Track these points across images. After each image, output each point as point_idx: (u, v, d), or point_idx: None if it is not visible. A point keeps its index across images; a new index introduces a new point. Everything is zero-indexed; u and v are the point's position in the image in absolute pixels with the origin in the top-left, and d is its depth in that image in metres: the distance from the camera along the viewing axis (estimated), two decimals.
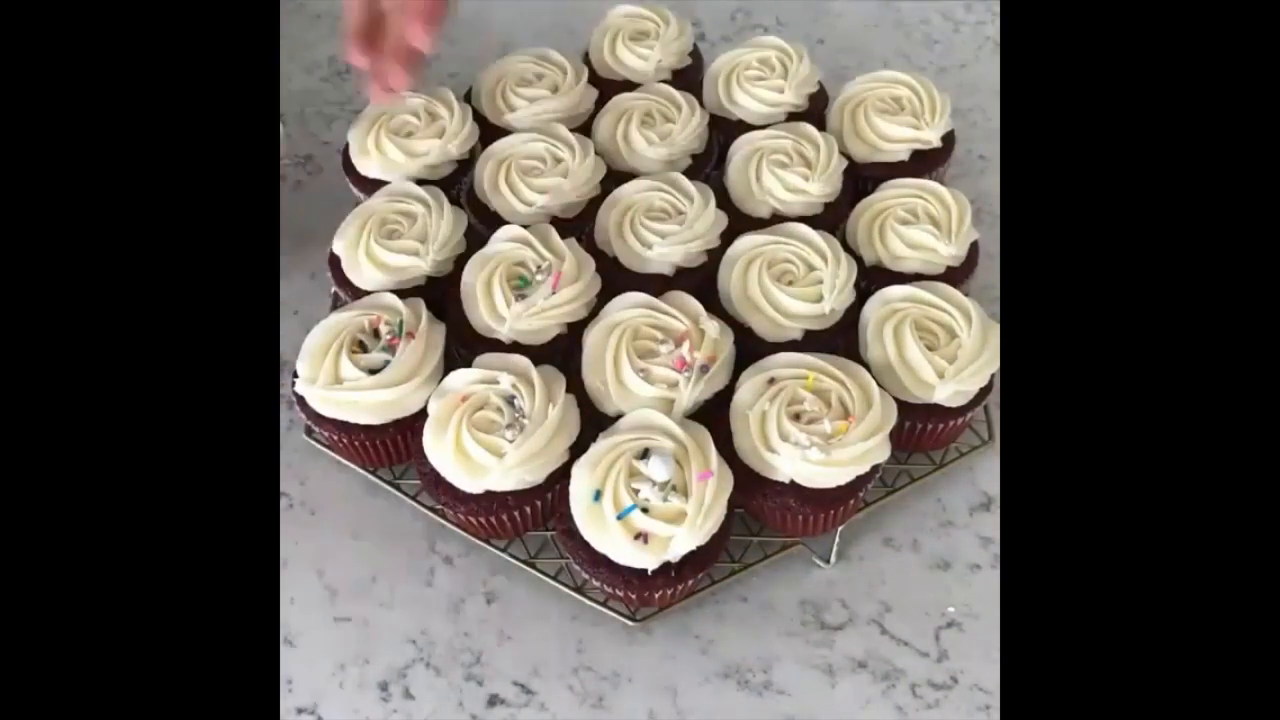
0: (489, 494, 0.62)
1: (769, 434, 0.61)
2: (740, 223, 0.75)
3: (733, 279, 0.70)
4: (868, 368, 0.65)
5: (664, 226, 0.72)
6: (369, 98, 0.75)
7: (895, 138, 0.80)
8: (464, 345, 0.69)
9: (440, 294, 0.71)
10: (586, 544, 0.59)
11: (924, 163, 0.80)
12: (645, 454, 0.59)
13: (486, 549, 0.68)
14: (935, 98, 0.81)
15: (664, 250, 0.71)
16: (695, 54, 0.90)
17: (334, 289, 0.77)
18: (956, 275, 0.73)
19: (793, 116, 0.82)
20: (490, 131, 0.82)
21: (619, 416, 0.63)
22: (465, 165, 0.80)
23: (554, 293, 0.68)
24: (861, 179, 0.80)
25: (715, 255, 0.73)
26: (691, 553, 0.58)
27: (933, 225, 0.72)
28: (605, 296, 0.69)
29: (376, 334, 0.66)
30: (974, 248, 0.75)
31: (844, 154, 0.79)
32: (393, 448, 0.67)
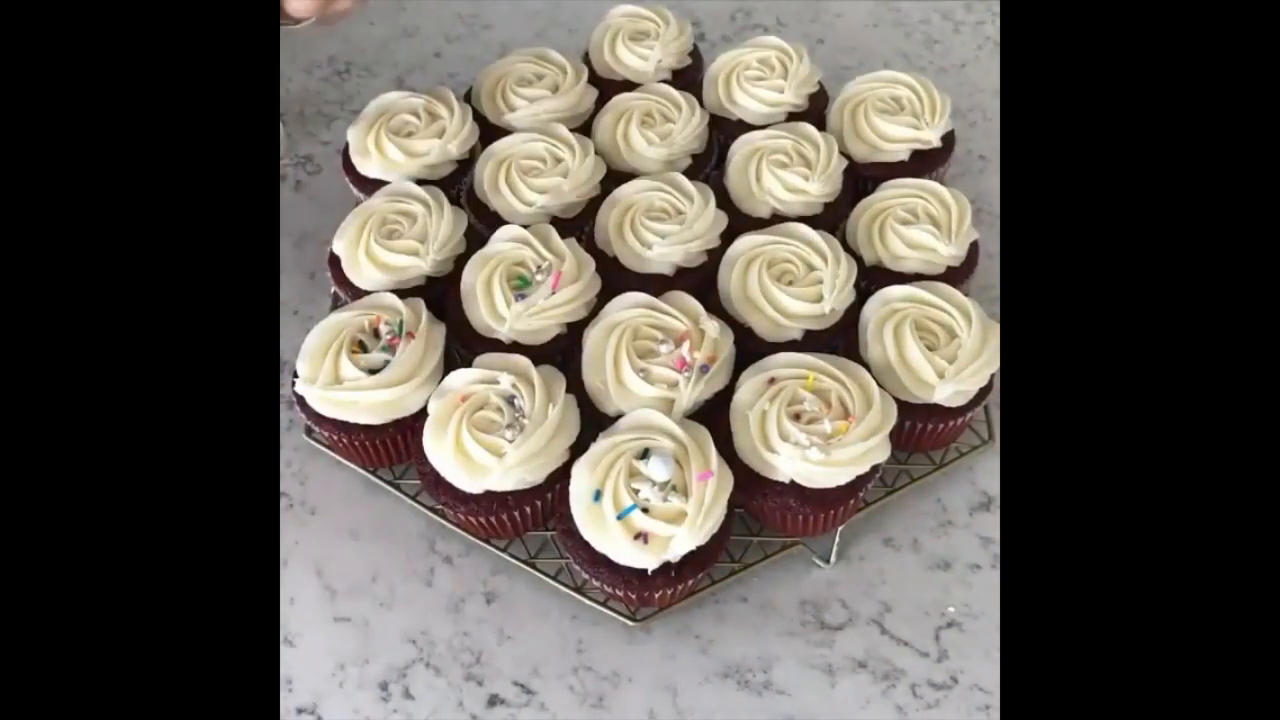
0: (489, 494, 0.62)
1: (769, 434, 0.61)
2: (740, 223, 0.76)
3: (733, 279, 0.70)
4: (868, 368, 0.65)
5: (664, 226, 0.72)
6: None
7: (895, 138, 0.80)
8: (464, 345, 0.69)
9: (440, 294, 0.71)
10: (586, 544, 0.59)
11: (924, 163, 0.80)
12: (645, 454, 0.59)
13: (486, 549, 0.68)
14: (935, 98, 0.81)
15: (664, 250, 0.71)
16: (695, 54, 0.90)
17: (334, 289, 0.77)
18: (956, 275, 0.73)
19: (793, 116, 0.83)
20: (490, 131, 0.82)
21: (619, 416, 0.63)
22: (465, 165, 0.80)
23: (554, 293, 0.68)
24: (861, 179, 0.80)
25: (715, 255, 0.73)
26: (691, 553, 0.58)
27: (933, 225, 0.72)
28: (605, 296, 0.69)
29: (376, 334, 0.66)
30: (974, 248, 0.75)
31: (844, 154, 0.79)
32: (393, 448, 0.67)
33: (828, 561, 0.68)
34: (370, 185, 0.78)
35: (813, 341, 0.68)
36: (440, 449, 0.61)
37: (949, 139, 0.82)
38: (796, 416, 0.61)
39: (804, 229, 0.71)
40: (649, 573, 0.58)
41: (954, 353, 0.65)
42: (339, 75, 1.00)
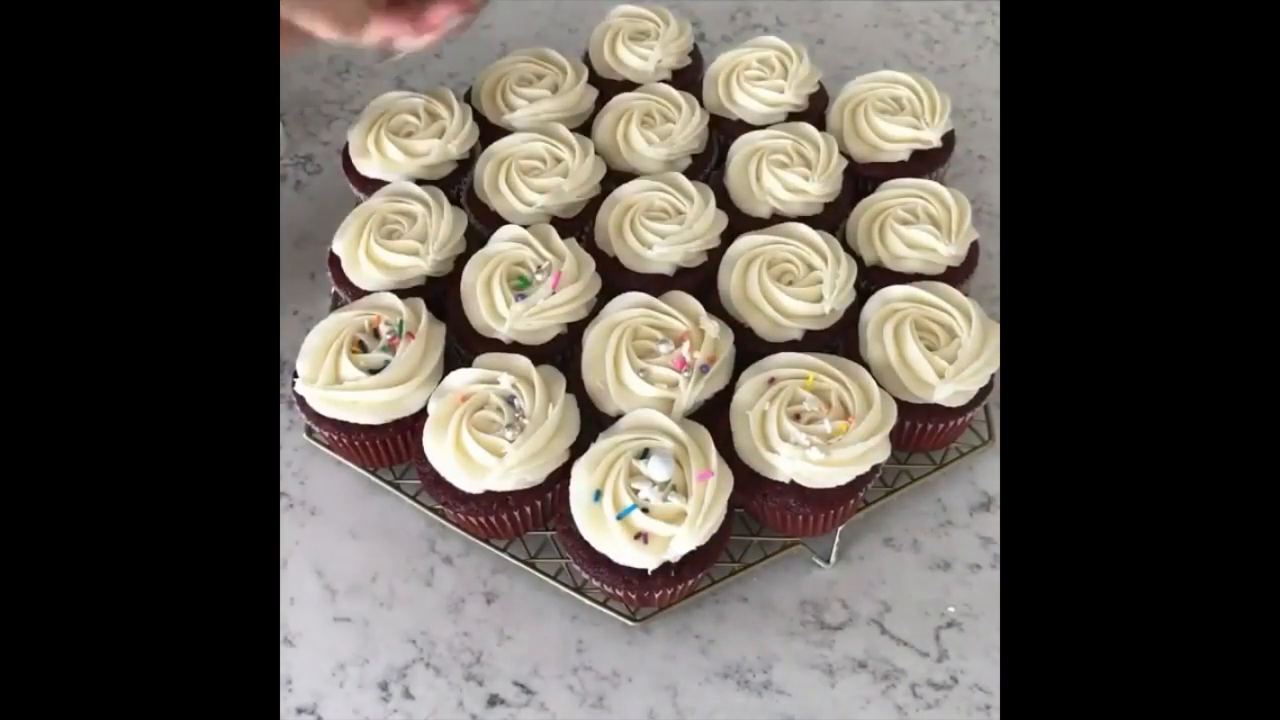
0: (489, 494, 0.62)
1: (769, 434, 0.61)
2: (740, 223, 0.76)
3: (733, 279, 0.70)
4: (868, 368, 0.65)
5: (664, 226, 0.72)
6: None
7: (895, 138, 0.80)
8: (464, 345, 0.69)
9: (440, 294, 0.71)
10: (586, 544, 0.59)
11: (924, 163, 0.80)
12: (645, 454, 0.59)
13: (486, 549, 0.68)
14: (935, 98, 0.81)
15: (664, 250, 0.71)
16: (695, 54, 0.90)
17: (334, 289, 0.77)
18: (956, 275, 0.73)
19: (793, 116, 0.83)
20: (490, 131, 0.82)
21: (619, 416, 0.63)
22: (465, 165, 0.80)
23: (554, 293, 0.68)
24: (861, 179, 0.80)
25: (715, 255, 0.73)
26: (691, 553, 0.58)
27: (933, 225, 0.72)
28: (605, 296, 0.69)
29: (376, 334, 0.66)
30: (974, 248, 0.75)
31: (844, 154, 0.79)
32: (393, 448, 0.67)
33: (828, 561, 0.68)
34: (370, 185, 0.78)
35: (813, 341, 0.68)
36: (440, 449, 0.61)
37: (949, 139, 0.82)
38: (796, 416, 0.61)
39: (804, 229, 0.71)
40: (649, 573, 0.58)
41: (954, 353, 0.65)
42: (339, 75, 1.00)
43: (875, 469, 0.63)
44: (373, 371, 0.64)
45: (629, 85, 0.85)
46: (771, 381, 0.63)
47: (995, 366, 0.65)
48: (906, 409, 0.64)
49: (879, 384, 0.63)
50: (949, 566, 0.68)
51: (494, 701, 0.62)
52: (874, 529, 0.69)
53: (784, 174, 0.76)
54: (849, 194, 0.78)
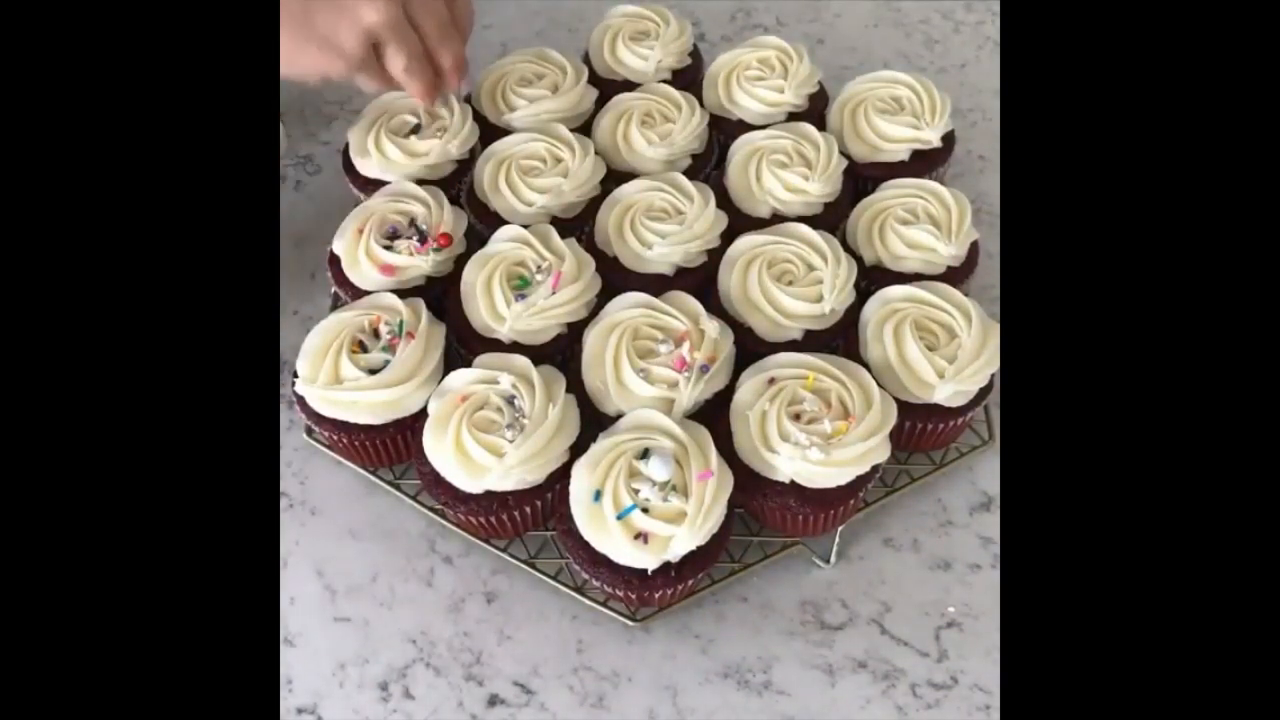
0: (489, 494, 0.62)
1: (769, 434, 0.61)
2: (740, 223, 0.76)
3: (733, 279, 0.70)
4: (868, 368, 0.65)
5: (664, 226, 0.72)
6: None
7: (895, 138, 0.80)
8: (464, 345, 0.69)
9: (440, 294, 0.71)
10: (586, 544, 0.59)
11: (924, 163, 0.80)
12: (645, 454, 0.59)
13: (486, 549, 0.68)
14: (935, 98, 0.81)
15: (664, 250, 0.71)
16: (695, 54, 0.90)
17: (334, 289, 0.77)
18: (956, 275, 0.73)
19: (793, 116, 0.83)
20: (490, 131, 0.82)
21: (619, 416, 0.63)
22: (465, 165, 0.80)
23: (554, 293, 0.68)
24: (861, 179, 0.80)
25: (715, 255, 0.73)
26: (691, 553, 0.58)
27: (933, 225, 0.72)
28: (605, 296, 0.69)
29: (376, 334, 0.66)
30: (974, 248, 0.75)
31: (844, 154, 0.79)
32: (393, 448, 0.67)
33: (828, 561, 0.68)
34: (370, 185, 0.78)
35: (813, 341, 0.68)
36: (440, 449, 0.61)
37: (949, 139, 0.82)
38: (796, 416, 0.61)
39: (804, 229, 0.71)
40: (649, 573, 0.58)
41: (954, 353, 0.65)
42: None
43: (875, 469, 0.63)
44: (373, 371, 0.64)
45: (629, 85, 0.85)
46: (771, 381, 0.63)
47: (995, 366, 0.65)
48: (906, 409, 0.64)
49: (879, 384, 0.63)
50: (949, 566, 0.68)
51: (494, 701, 0.62)
52: (874, 529, 0.69)
53: (784, 174, 0.76)
54: (849, 194, 0.78)
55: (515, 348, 0.67)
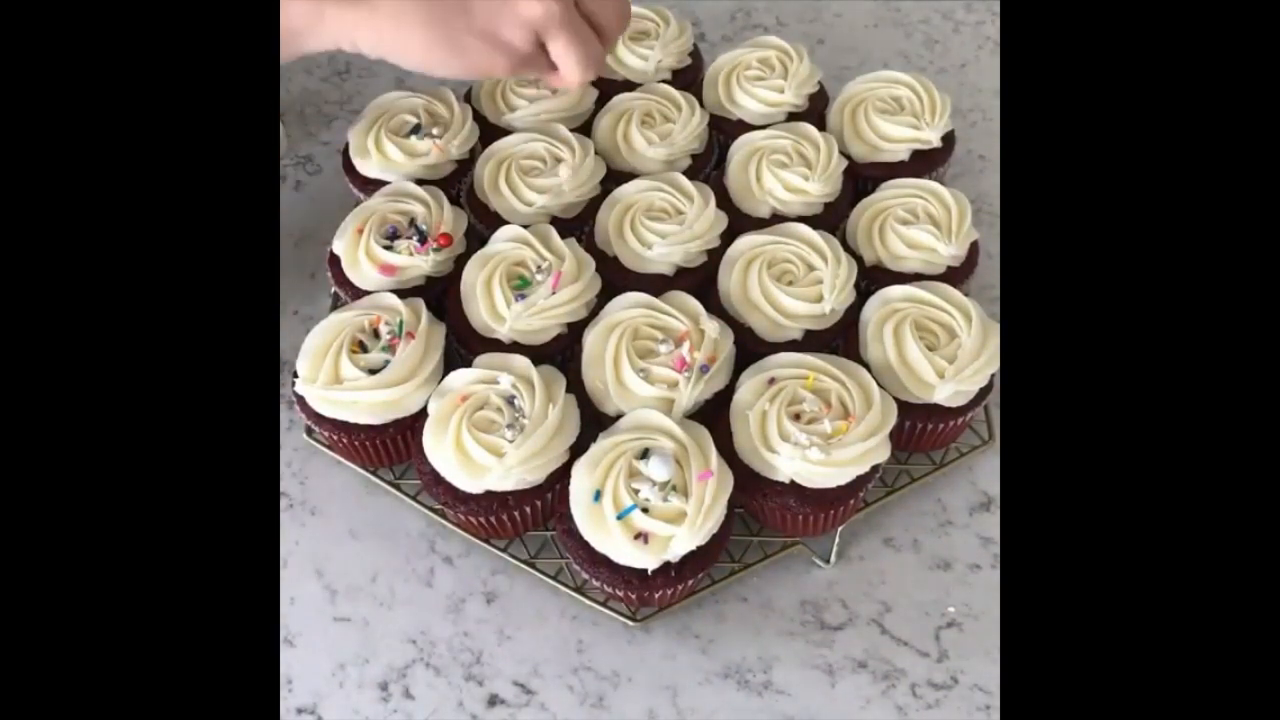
0: (489, 494, 0.62)
1: (769, 434, 0.61)
2: (740, 223, 0.76)
3: (733, 279, 0.70)
4: (868, 368, 0.65)
5: (664, 226, 0.72)
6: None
7: (895, 138, 0.80)
8: (464, 345, 0.69)
9: (440, 294, 0.71)
10: (586, 544, 0.59)
11: (924, 163, 0.80)
12: (645, 454, 0.59)
13: (486, 549, 0.68)
14: (935, 98, 0.81)
15: (664, 250, 0.71)
16: (695, 54, 0.90)
17: (334, 289, 0.77)
18: (956, 275, 0.73)
19: (793, 116, 0.83)
20: (490, 131, 0.82)
21: (619, 416, 0.63)
22: (465, 165, 0.80)
23: (554, 293, 0.68)
24: (861, 179, 0.80)
25: (715, 255, 0.73)
26: (691, 553, 0.58)
27: (933, 225, 0.72)
28: (605, 296, 0.69)
29: (376, 334, 0.66)
30: (974, 248, 0.75)
31: (844, 154, 0.79)
32: (393, 448, 0.67)
33: (828, 561, 0.68)
34: (370, 185, 0.78)
35: (813, 341, 0.68)
36: (440, 449, 0.61)
37: (949, 139, 0.82)
38: (796, 416, 0.61)
39: (804, 229, 0.71)
40: (649, 573, 0.58)
41: (954, 353, 0.65)
42: (339, 75, 1.00)
43: (875, 469, 0.63)
44: (373, 371, 0.64)
45: (629, 85, 0.85)
46: (771, 381, 0.63)
47: (995, 367, 0.65)
48: (906, 409, 0.64)
49: (879, 384, 0.63)
50: (949, 566, 0.68)
51: (494, 701, 0.62)
52: (874, 529, 0.69)
53: (784, 174, 0.76)
54: (849, 194, 0.78)
55: (515, 348, 0.67)
